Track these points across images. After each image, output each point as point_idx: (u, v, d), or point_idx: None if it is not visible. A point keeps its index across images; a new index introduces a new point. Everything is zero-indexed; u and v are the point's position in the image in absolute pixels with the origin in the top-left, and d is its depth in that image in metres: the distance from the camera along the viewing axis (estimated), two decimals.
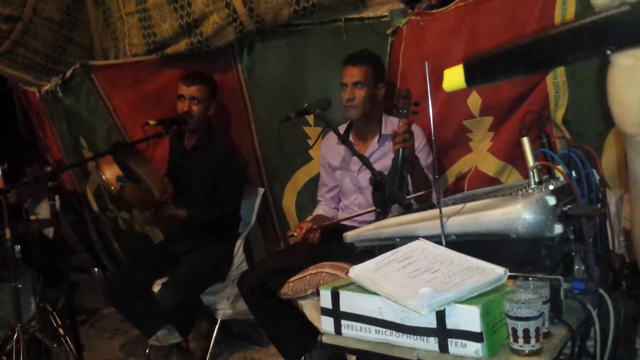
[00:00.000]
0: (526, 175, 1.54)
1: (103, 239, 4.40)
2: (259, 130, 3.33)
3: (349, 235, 1.68)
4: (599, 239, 1.54)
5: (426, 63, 1.70)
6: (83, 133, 3.63)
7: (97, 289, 4.45)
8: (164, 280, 2.98)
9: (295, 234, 2.56)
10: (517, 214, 1.25)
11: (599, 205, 1.53)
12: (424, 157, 2.52)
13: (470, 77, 0.66)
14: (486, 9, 2.44)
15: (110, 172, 2.54)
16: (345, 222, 2.61)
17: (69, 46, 3.63)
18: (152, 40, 3.20)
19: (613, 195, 2.09)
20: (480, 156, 2.60)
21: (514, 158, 2.51)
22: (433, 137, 2.10)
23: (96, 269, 5.01)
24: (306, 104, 2.51)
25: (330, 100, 2.53)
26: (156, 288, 2.99)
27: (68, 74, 3.36)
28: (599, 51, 0.63)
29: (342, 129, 2.70)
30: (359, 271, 1.35)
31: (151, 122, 2.80)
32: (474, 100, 2.57)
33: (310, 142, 3.08)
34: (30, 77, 3.72)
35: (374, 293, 1.28)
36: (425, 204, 2.37)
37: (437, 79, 2.58)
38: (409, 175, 2.33)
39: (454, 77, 0.67)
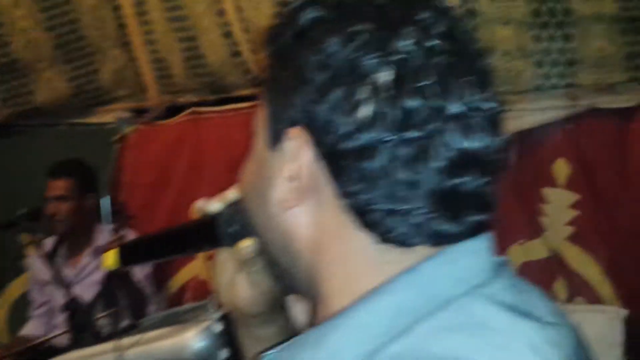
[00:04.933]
0: None
1: None
2: None
3: None
4: None
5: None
6: None
7: None
8: None
9: None
10: (185, 343, 1.33)
11: None
12: (139, 269, 2.52)
13: (124, 259, 0.73)
14: (207, 126, 2.65)
15: None
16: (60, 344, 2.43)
17: None
18: None
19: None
20: (201, 264, 2.69)
21: None
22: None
23: None
24: (17, 213, 2.35)
25: (42, 210, 2.41)
26: None
27: None
28: (201, 249, 0.73)
29: (52, 240, 2.57)
30: None
31: None
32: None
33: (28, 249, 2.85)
34: None
35: None
36: (140, 317, 2.36)
37: (162, 187, 2.70)
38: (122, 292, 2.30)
39: (111, 258, 0.73)
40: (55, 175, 2.49)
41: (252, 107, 2.55)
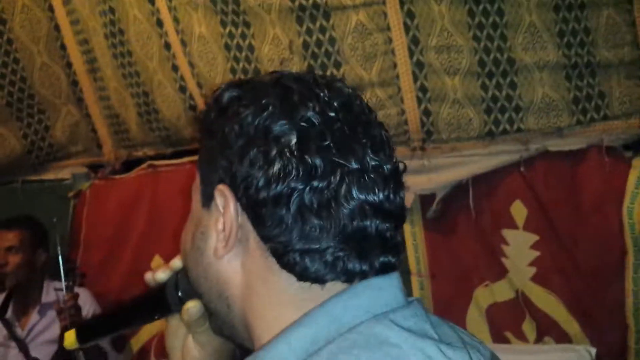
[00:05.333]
0: None
1: None
2: None
3: None
4: None
5: None
6: None
7: None
8: None
9: None
10: None
11: None
12: None
13: (82, 338, 0.77)
14: (165, 179, 2.68)
15: None
16: None
17: None
18: None
19: None
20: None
21: None
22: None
23: None
24: None
25: None
26: None
27: None
28: (154, 318, 0.76)
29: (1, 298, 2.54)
30: None
31: None
32: (158, 264, 2.69)
33: None
34: None
35: None
36: None
37: (121, 241, 2.70)
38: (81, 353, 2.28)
39: (69, 339, 0.79)
40: (6, 226, 2.48)
41: None
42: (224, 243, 0.61)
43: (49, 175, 2.81)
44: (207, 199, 0.63)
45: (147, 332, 2.74)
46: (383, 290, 0.59)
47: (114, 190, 2.76)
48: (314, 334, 0.55)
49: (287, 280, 0.59)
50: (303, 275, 0.58)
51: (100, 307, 2.59)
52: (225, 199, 0.60)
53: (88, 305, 2.51)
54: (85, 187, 2.78)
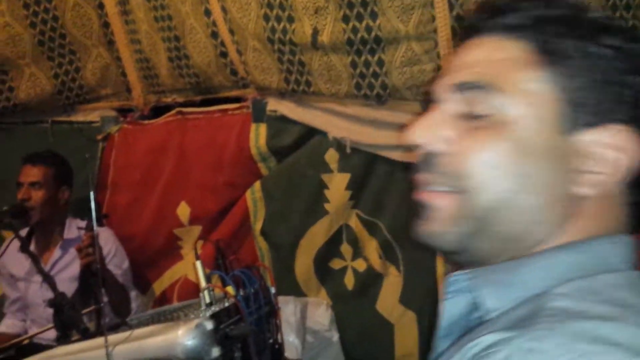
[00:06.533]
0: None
1: None
2: None
3: None
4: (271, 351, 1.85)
5: None
6: None
7: None
8: None
9: None
10: (176, 340, 1.47)
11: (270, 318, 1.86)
12: (118, 263, 2.67)
13: None
14: (193, 127, 2.78)
15: None
16: (38, 340, 2.56)
17: None
18: None
19: (298, 303, 2.49)
20: (191, 264, 2.84)
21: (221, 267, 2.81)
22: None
23: None
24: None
25: (25, 206, 2.55)
26: None
27: None
28: None
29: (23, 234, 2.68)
30: None
31: None
32: (184, 210, 2.84)
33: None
34: None
35: None
36: (124, 314, 2.50)
37: (147, 187, 2.85)
38: (103, 290, 2.43)
39: None
40: (32, 161, 2.61)
41: (237, 108, 2.72)
42: (614, 179, 0.63)
43: (78, 117, 2.93)
44: (575, 127, 0.63)
45: (169, 276, 2.92)
46: (631, 249, 0.65)
47: (142, 136, 2.88)
48: (576, 262, 0.62)
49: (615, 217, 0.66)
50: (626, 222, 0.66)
51: (124, 249, 2.76)
52: (629, 142, 0.62)
53: (110, 245, 2.66)
54: (114, 131, 2.90)
